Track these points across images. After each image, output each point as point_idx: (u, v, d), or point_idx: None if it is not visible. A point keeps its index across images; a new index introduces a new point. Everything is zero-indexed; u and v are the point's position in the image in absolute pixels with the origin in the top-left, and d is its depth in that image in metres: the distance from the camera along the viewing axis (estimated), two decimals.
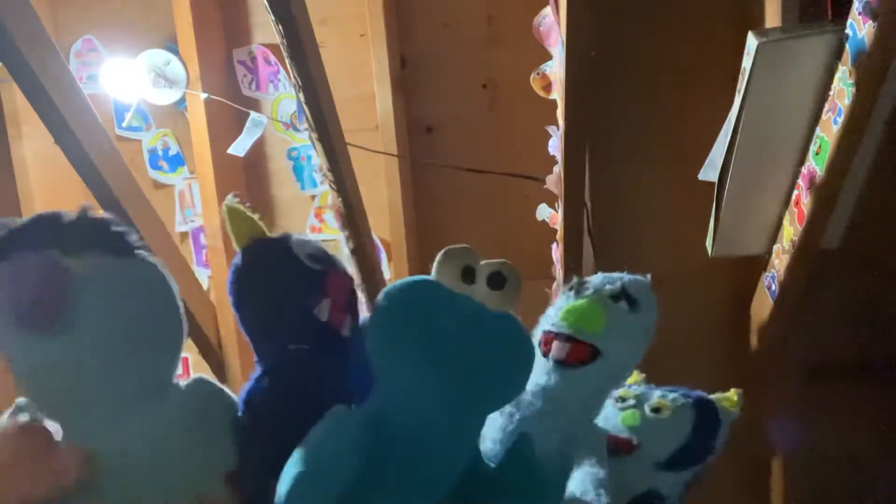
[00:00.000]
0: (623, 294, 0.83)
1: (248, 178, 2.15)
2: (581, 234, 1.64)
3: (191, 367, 2.27)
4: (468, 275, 0.66)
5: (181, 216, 2.22)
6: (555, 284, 1.76)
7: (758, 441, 1.87)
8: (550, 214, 1.76)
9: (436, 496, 0.63)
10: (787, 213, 1.49)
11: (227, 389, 0.71)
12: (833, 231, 1.48)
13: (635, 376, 1.03)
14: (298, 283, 0.73)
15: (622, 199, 1.86)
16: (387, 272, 2.03)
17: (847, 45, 1.19)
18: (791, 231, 1.48)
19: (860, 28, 1.15)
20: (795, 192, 1.44)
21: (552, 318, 0.81)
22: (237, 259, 0.74)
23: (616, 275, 0.87)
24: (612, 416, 0.91)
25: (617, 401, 0.92)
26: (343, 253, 1.66)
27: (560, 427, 0.74)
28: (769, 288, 1.63)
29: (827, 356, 1.83)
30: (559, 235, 1.64)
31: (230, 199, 0.78)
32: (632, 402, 0.92)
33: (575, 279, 0.85)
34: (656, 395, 0.93)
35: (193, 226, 2.21)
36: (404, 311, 0.64)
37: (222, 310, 2.06)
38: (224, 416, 0.66)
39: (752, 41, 1.29)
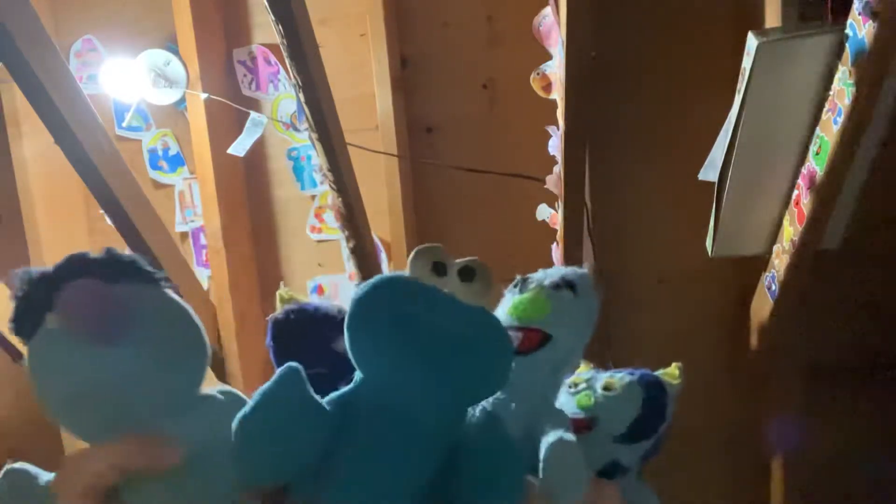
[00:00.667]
0: (564, 283, 0.90)
1: (248, 178, 2.16)
2: (581, 234, 1.64)
3: None
4: (439, 269, 0.68)
5: (181, 216, 2.22)
6: None
7: (758, 441, 1.87)
8: (550, 214, 1.76)
9: (416, 473, 0.64)
10: (787, 213, 1.49)
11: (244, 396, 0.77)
12: (833, 231, 1.48)
13: (585, 367, 1.08)
14: (318, 326, 0.80)
15: (622, 199, 1.86)
16: (387, 272, 2.03)
17: (847, 45, 1.19)
18: (791, 231, 1.48)
19: (860, 28, 1.15)
20: (795, 192, 1.44)
21: (501, 316, 0.87)
22: (276, 315, 0.83)
23: (554, 269, 0.94)
24: (567, 403, 0.97)
25: (570, 387, 0.98)
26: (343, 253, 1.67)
27: (524, 412, 0.79)
28: (769, 288, 1.64)
29: (827, 356, 1.83)
30: (559, 235, 1.64)
31: (283, 289, 0.86)
32: (583, 386, 0.98)
33: (518, 277, 0.91)
34: (604, 376, 1.00)
35: (193, 226, 2.21)
36: (373, 301, 0.66)
37: (222, 310, 2.06)
38: None
39: (752, 41, 1.29)
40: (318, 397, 0.63)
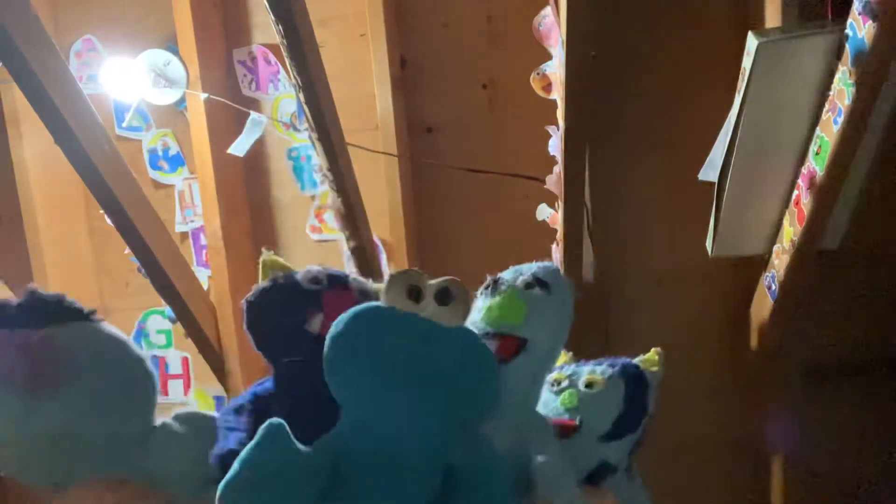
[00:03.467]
0: (536, 281, 0.87)
1: (248, 178, 2.15)
2: (581, 234, 1.64)
3: (191, 366, 2.27)
4: (414, 293, 0.66)
5: (181, 216, 2.22)
6: None
7: (758, 441, 1.87)
8: (550, 214, 1.76)
9: None
10: (787, 213, 1.49)
11: (207, 413, 0.76)
12: (833, 231, 1.48)
13: (563, 356, 1.06)
14: (291, 302, 0.78)
15: (622, 199, 1.86)
16: (387, 272, 2.03)
17: (847, 45, 1.19)
18: (791, 231, 1.48)
19: (860, 28, 1.15)
20: (795, 192, 1.44)
21: (475, 321, 0.84)
22: (249, 294, 0.79)
23: (525, 265, 0.92)
24: (550, 401, 0.96)
25: (552, 385, 0.97)
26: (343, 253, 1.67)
27: (508, 424, 0.77)
28: (769, 288, 1.64)
29: (827, 356, 1.83)
30: (559, 235, 1.64)
31: (265, 253, 0.84)
32: (566, 383, 0.96)
33: (489, 279, 0.88)
34: (586, 371, 0.98)
35: (193, 226, 2.21)
36: (350, 339, 0.65)
37: (222, 310, 2.06)
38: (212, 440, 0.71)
39: (752, 41, 1.29)
40: (303, 449, 0.61)
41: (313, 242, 2.16)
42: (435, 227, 2.03)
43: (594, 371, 0.98)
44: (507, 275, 0.88)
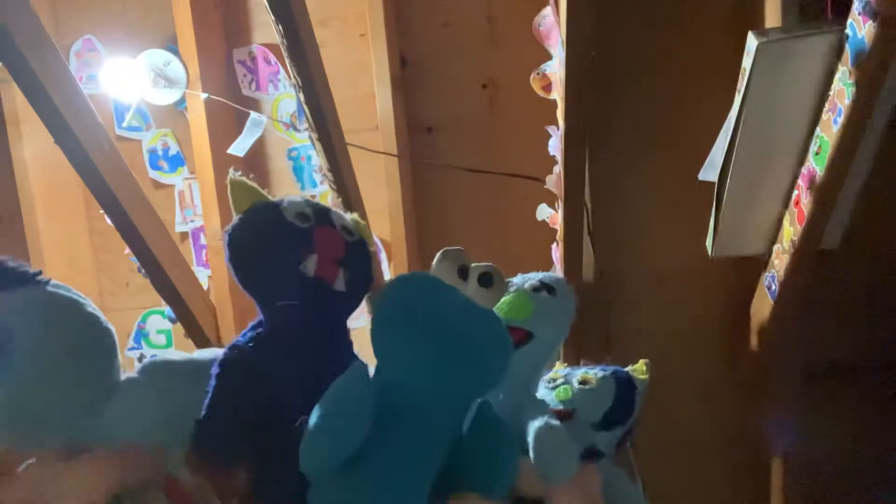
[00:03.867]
0: (543, 285, 0.99)
1: (248, 178, 2.15)
2: (581, 234, 1.64)
3: None
4: (463, 273, 0.73)
5: (181, 216, 2.22)
6: None
7: (757, 441, 1.87)
8: (550, 214, 1.77)
9: (431, 466, 0.68)
10: (787, 213, 1.49)
11: (181, 358, 0.73)
12: (833, 231, 1.48)
13: (559, 366, 1.16)
14: (282, 241, 0.77)
15: (622, 199, 1.86)
16: (387, 272, 2.03)
17: (847, 45, 1.19)
18: (791, 231, 1.48)
19: (860, 28, 1.15)
20: (795, 192, 1.44)
21: None
22: (230, 224, 0.77)
23: (531, 273, 1.03)
24: (546, 396, 1.05)
25: (548, 382, 1.07)
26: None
27: (510, 401, 0.86)
28: (769, 288, 1.64)
29: (827, 356, 1.83)
30: (559, 235, 1.64)
31: (232, 172, 0.82)
32: (561, 381, 1.07)
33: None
34: (580, 373, 1.09)
35: (193, 226, 2.21)
36: (409, 296, 0.71)
37: (222, 310, 2.06)
38: (184, 390, 0.68)
39: (752, 41, 1.29)
40: (371, 390, 0.67)
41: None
42: (435, 227, 2.03)
43: (587, 373, 1.09)
44: (516, 280, 0.99)
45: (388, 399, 0.68)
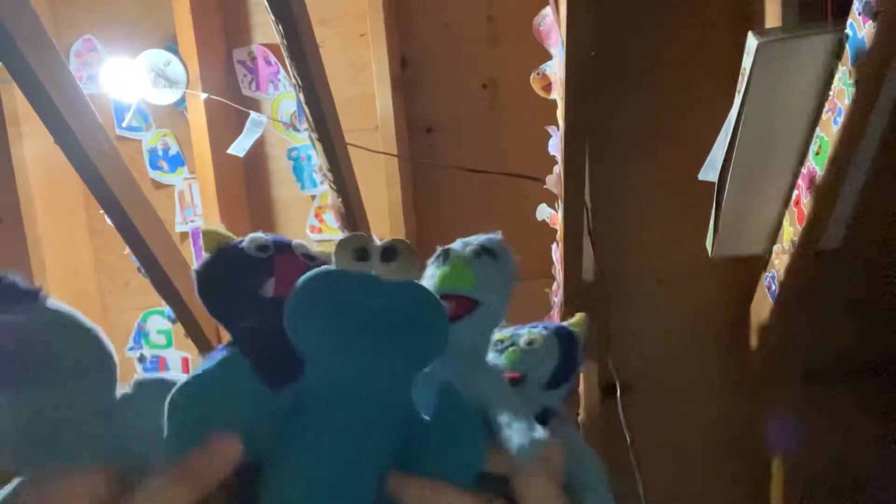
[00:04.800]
0: (483, 250, 0.97)
1: (248, 178, 2.16)
2: (581, 234, 1.64)
3: (191, 366, 2.27)
4: (361, 255, 0.72)
5: (181, 216, 2.22)
6: (555, 284, 1.76)
7: (757, 441, 1.87)
8: (550, 214, 1.76)
9: (372, 447, 0.67)
10: (787, 213, 1.49)
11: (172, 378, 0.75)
12: (833, 231, 1.48)
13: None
14: (243, 269, 0.81)
15: (622, 199, 1.86)
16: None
17: (847, 45, 1.19)
18: (791, 231, 1.48)
19: (860, 28, 1.15)
20: (795, 192, 1.44)
21: (429, 288, 0.93)
22: (196, 264, 0.82)
23: (470, 237, 1.03)
24: (495, 360, 1.06)
25: (495, 345, 1.08)
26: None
27: (461, 373, 0.85)
28: (769, 288, 1.64)
29: (826, 356, 1.83)
30: (559, 235, 1.64)
31: (205, 225, 0.85)
32: (508, 343, 1.08)
33: (438, 250, 0.98)
34: (525, 332, 1.10)
35: (193, 226, 2.21)
36: (306, 299, 0.70)
37: None
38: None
39: (752, 41, 1.29)
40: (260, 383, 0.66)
41: (313, 242, 2.16)
42: (435, 227, 2.03)
43: (531, 332, 1.12)
44: (455, 245, 0.99)
45: (317, 385, 0.68)
